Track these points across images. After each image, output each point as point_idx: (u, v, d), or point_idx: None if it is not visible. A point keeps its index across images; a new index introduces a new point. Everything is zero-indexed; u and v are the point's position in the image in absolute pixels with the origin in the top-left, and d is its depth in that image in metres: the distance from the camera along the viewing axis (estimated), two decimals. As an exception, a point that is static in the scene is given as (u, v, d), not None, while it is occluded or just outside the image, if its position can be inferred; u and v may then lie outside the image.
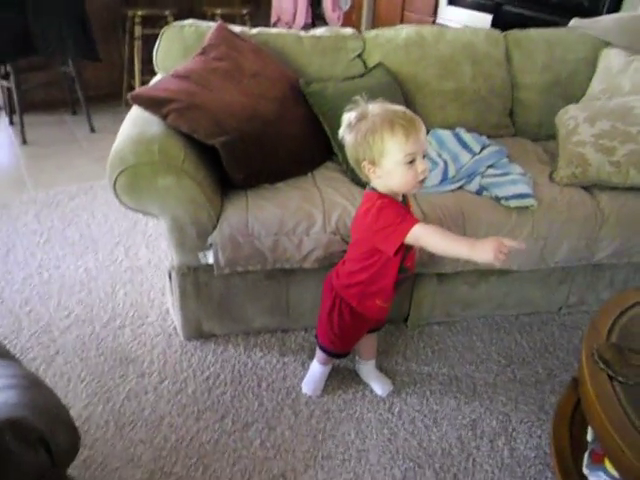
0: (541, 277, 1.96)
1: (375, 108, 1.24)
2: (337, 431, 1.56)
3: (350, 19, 5.52)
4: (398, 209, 1.27)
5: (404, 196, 1.35)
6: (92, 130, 3.41)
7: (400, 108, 1.25)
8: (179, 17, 3.01)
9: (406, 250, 1.33)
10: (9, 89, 3.32)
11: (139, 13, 3.39)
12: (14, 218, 2.47)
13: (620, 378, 1.18)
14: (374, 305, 1.45)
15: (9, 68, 3.14)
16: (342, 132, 1.29)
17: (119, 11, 3.59)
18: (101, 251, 2.27)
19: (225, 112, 1.60)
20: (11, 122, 3.49)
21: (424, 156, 1.24)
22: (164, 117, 1.54)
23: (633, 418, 1.10)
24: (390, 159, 1.21)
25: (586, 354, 1.25)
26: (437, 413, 1.63)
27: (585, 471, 1.27)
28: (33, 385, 0.74)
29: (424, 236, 1.22)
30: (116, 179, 1.49)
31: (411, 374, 1.77)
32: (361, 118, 1.24)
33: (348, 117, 1.27)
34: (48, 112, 3.64)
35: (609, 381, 1.18)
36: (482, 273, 1.88)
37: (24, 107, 3.27)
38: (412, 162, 1.21)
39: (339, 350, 1.59)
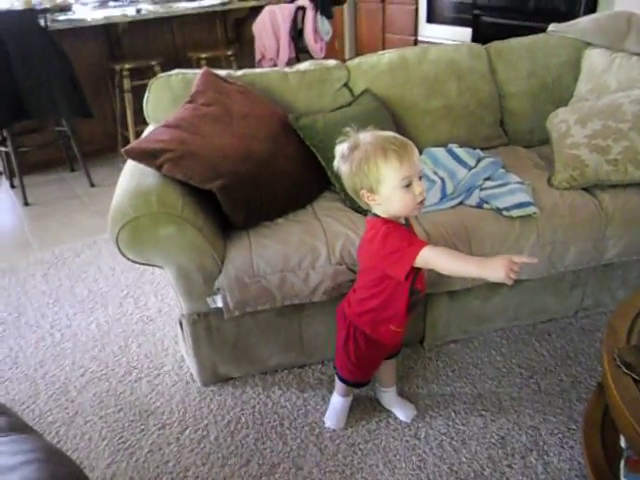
0: (553, 283, 1.94)
1: (366, 137, 1.26)
2: (365, 464, 1.53)
3: (333, 48, 5.62)
4: (403, 233, 1.28)
5: (406, 219, 1.35)
6: (91, 185, 3.45)
7: (390, 134, 1.27)
8: (166, 65, 3.09)
9: (415, 272, 1.33)
10: (7, 154, 3.38)
11: (126, 66, 3.46)
12: (22, 281, 2.49)
13: (646, 381, 1.16)
14: (388, 330, 1.44)
15: (5, 133, 3.20)
16: (337, 164, 1.31)
17: (106, 66, 3.67)
18: (111, 305, 2.28)
19: (218, 156, 1.62)
20: (12, 185, 3.54)
21: (420, 177, 1.25)
22: (159, 168, 1.55)
23: (664, 421, 1.07)
24: (387, 185, 1.22)
25: (607, 359, 1.23)
26: (464, 434, 1.60)
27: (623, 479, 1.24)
28: (51, 457, 0.73)
29: (433, 258, 1.22)
30: (118, 234, 1.50)
31: (433, 396, 1.74)
32: (354, 148, 1.25)
33: (341, 149, 1.29)
34: (47, 172, 3.70)
35: (634, 385, 1.16)
36: (493, 286, 1.86)
37: (23, 169, 3.32)
38: (409, 185, 1.22)
39: (359, 379, 1.57)
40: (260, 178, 1.68)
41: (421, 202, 1.26)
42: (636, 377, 1.16)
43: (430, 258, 1.21)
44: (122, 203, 1.52)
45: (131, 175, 1.66)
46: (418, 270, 1.33)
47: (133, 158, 1.60)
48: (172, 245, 1.53)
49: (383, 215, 1.30)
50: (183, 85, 2.00)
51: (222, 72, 2.06)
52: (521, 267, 1.15)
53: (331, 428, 1.64)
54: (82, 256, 2.65)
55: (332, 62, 2.22)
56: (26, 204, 3.26)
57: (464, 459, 1.53)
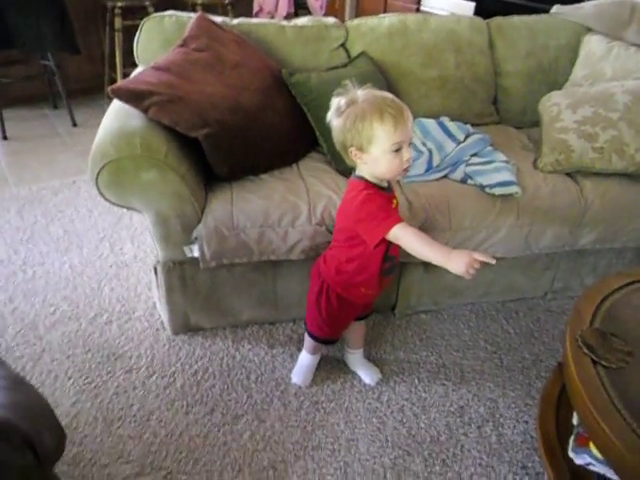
0: (526, 263, 1.97)
1: (364, 94, 1.25)
2: (326, 421, 1.57)
3: (333, 8, 5.48)
4: (382, 202, 1.28)
5: (389, 183, 1.35)
6: (74, 124, 3.36)
7: (389, 95, 1.26)
8: (159, 8, 2.97)
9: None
10: (-13, 84, 3.26)
11: (119, 4, 3.32)
12: (-4, 215, 2.44)
13: (604, 362, 1.19)
14: (359, 292, 1.46)
15: (-13, 62, 3.09)
16: (330, 116, 1.29)
17: (98, 2, 3.53)
18: (86, 247, 2.25)
19: (207, 104, 1.58)
20: (-10, 117, 3.42)
21: (409, 144, 1.25)
22: (145, 110, 1.52)
23: (616, 402, 1.11)
24: (378, 147, 1.22)
25: (570, 339, 1.26)
26: (425, 401, 1.65)
27: (571, 454, 1.29)
28: (16, 386, 0.74)
29: (403, 237, 1.23)
30: (98, 174, 1.47)
31: (399, 363, 1.78)
32: (350, 103, 1.24)
33: (337, 102, 1.27)
34: (28, 107, 3.58)
35: (593, 365, 1.19)
36: (468, 261, 1.89)
37: (4, 102, 3.21)
38: (398, 150, 1.22)
39: (327, 336, 1.59)
40: (247, 130, 1.65)
41: (406, 168, 1.26)
42: (595, 358, 1.20)
43: (401, 236, 1.23)
44: (104, 143, 1.48)
45: (115, 115, 1.61)
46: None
47: (119, 98, 1.56)
48: (153, 190, 1.51)
49: (367, 175, 1.30)
50: (176, 28, 1.94)
51: (218, 19, 2.00)
52: (482, 265, 1.17)
53: (297, 385, 1.67)
54: (60, 195, 2.61)
55: (331, 20, 2.17)
56: (4, 138, 3.17)
57: (422, 424, 1.57)
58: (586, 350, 1.22)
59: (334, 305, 1.47)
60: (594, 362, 1.20)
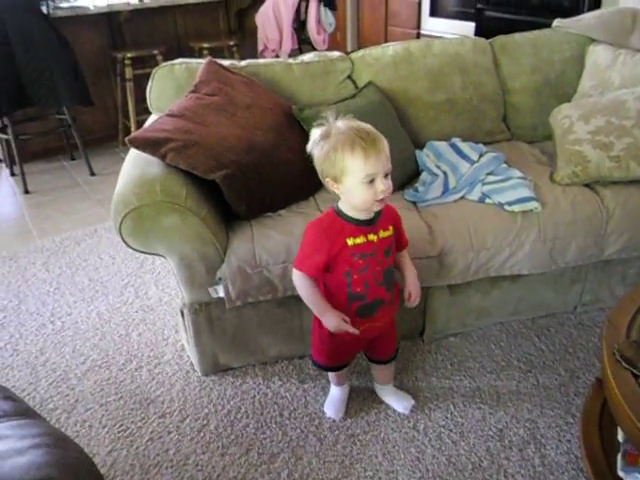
0: (553, 278, 1.95)
1: (340, 126, 1.26)
2: (364, 454, 1.54)
3: (335, 40, 5.60)
4: (320, 240, 1.31)
5: (378, 211, 1.34)
6: (92, 173, 3.45)
7: (364, 127, 1.26)
8: (167, 55, 3.07)
9: (349, 275, 1.35)
10: (7, 141, 3.37)
11: (128, 55, 3.44)
12: (23, 269, 2.49)
13: (645, 376, 1.17)
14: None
15: (6, 121, 3.19)
16: (309, 148, 1.31)
17: (108, 54, 3.66)
18: (111, 294, 2.28)
19: (222, 146, 1.62)
20: (12, 173, 3.54)
21: (387, 175, 1.24)
22: (163, 157, 1.55)
23: (663, 415, 1.08)
24: (351, 178, 1.23)
25: (607, 354, 1.24)
26: (463, 426, 1.62)
27: (620, 474, 1.25)
28: (59, 442, 0.74)
29: (296, 282, 1.38)
30: (121, 222, 1.50)
31: (432, 389, 1.75)
32: (325, 136, 1.26)
33: (314, 134, 1.30)
34: (47, 160, 3.69)
35: (634, 379, 1.17)
36: (493, 280, 1.87)
37: (23, 157, 3.32)
38: (372, 182, 1.23)
39: (325, 364, 1.57)
40: (263, 169, 1.68)
41: (382, 199, 1.25)
42: (635, 372, 1.17)
43: (295, 280, 1.37)
44: (126, 191, 1.52)
45: (134, 164, 1.65)
46: (359, 273, 1.34)
47: (137, 147, 1.59)
48: (175, 234, 1.54)
49: (343, 205, 1.32)
50: (187, 74, 2.00)
51: (226, 62, 2.06)
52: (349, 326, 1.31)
53: (330, 417, 1.65)
54: (82, 244, 2.65)
55: (336, 54, 2.21)
56: (26, 192, 3.26)
57: (462, 451, 1.54)
58: (625, 364, 1.19)
59: (328, 338, 1.44)
60: (635, 376, 1.17)
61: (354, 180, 1.23)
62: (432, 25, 5.24)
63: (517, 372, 1.80)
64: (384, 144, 1.24)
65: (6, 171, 3.59)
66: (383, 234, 1.36)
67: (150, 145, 1.57)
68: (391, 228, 1.38)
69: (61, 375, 1.86)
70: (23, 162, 3.29)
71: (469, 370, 1.82)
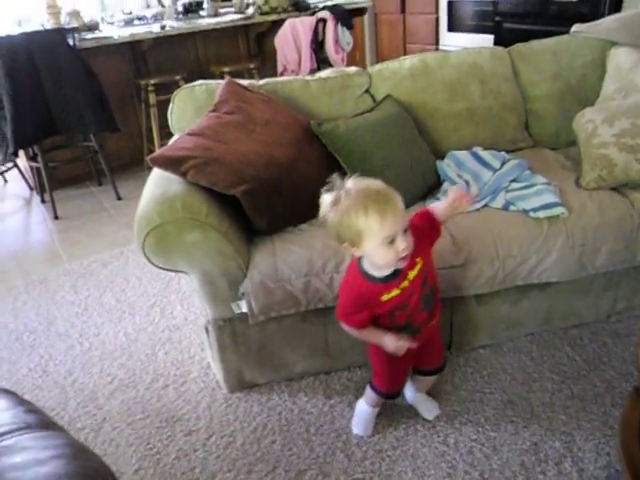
0: (584, 286, 1.89)
1: (349, 189, 1.19)
2: (393, 470, 1.50)
3: (354, 58, 5.65)
4: (357, 304, 1.33)
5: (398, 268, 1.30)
6: (118, 198, 3.52)
7: (374, 187, 1.19)
8: (189, 80, 3.11)
9: (392, 315, 1.34)
10: (38, 169, 3.47)
11: (151, 82, 3.53)
12: (52, 291, 2.53)
13: (684, 381, 1.12)
14: None
15: (36, 149, 3.29)
16: (322, 215, 1.24)
17: (132, 82, 3.76)
18: (138, 314, 2.30)
19: (242, 162, 1.63)
20: (43, 200, 3.63)
21: (406, 230, 1.20)
22: (184, 175, 1.57)
23: None
24: (369, 241, 1.19)
25: (643, 359, 1.19)
26: (495, 440, 1.57)
27: (663, 486, 1.19)
28: (78, 453, 0.74)
29: (348, 331, 1.40)
30: (144, 240, 1.52)
31: (462, 402, 1.70)
32: (336, 202, 1.19)
33: (324, 201, 1.23)
34: (76, 186, 3.78)
35: (673, 385, 1.12)
36: (522, 289, 1.83)
37: (53, 184, 3.41)
38: (392, 242, 1.18)
39: (387, 390, 1.54)
40: (283, 183, 1.68)
41: (405, 257, 1.21)
42: (674, 377, 1.12)
43: (344, 326, 1.39)
44: (148, 209, 1.54)
45: (156, 182, 1.68)
46: (395, 312, 1.33)
47: (158, 166, 1.62)
48: (197, 250, 1.55)
49: (367, 264, 1.29)
50: (206, 95, 2.03)
51: (244, 82, 2.09)
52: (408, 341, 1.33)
53: (358, 435, 1.61)
54: (109, 267, 2.70)
55: (353, 69, 2.23)
56: (56, 218, 3.34)
57: (495, 466, 1.49)
58: (663, 369, 1.14)
59: (385, 357, 1.42)
60: (673, 381, 1.12)
61: (373, 243, 1.18)
62: (451, 40, 5.26)
63: (550, 383, 1.75)
64: (397, 200, 1.18)
65: (37, 198, 3.69)
66: (413, 273, 1.31)
67: (171, 163, 1.59)
68: (419, 260, 1.32)
69: (89, 395, 1.87)
70: (52, 189, 3.38)
71: (500, 382, 1.77)
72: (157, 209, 1.52)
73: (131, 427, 1.73)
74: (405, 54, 5.73)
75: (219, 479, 1.52)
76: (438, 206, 1.40)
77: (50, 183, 3.34)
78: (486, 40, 4.63)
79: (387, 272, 1.28)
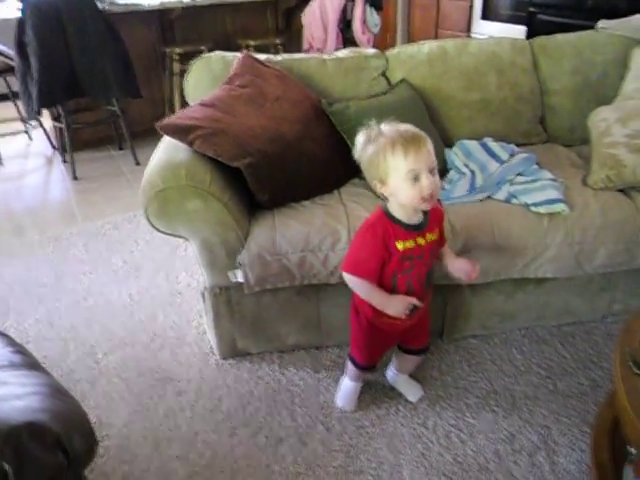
0: (581, 284, 1.89)
1: (382, 130, 1.29)
2: (370, 446, 1.55)
3: (385, 40, 5.59)
4: (376, 244, 1.32)
5: (426, 212, 1.35)
6: (137, 163, 3.58)
7: (406, 127, 1.29)
8: (215, 51, 3.15)
9: (395, 276, 1.36)
10: (61, 130, 3.55)
11: (177, 50, 3.56)
12: (64, 249, 2.62)
13: (656, 383, 1.13)
14: (384, 320, 1.43)
15: (60, 110, 3.36)
16: (356, 155, 1.33)
17: (158, 49, 3.79)
18: (143, 276, 2.37)
19: (248, 135, 1.66)
20: (64, 160, 3.71)
21: (432, 172, 1.25)
22: (190, 143, 1.61)
23: (671, 424, 1.04)
24: (394, 177, 1.26)
25: (619, 359, 1.20)
26: (473, 427, 1.60)
27: (627, 484, 1.21)
28: (55, 393, 0.79)
29: (350, 283, 1.40)
30: (147, 204, 1.57)
31: (447, 388, 1.73)
32: (368, 141, 1.29)
33: (359, 139, 1.32)
34: (97, 149, 3.86)
35: (644, 386, 1.13)
36: (517, 282, 1.84)
37: (75, 145, 3.48)
38: (416, 179, 1.24)
39: (364, 362, 1.58)
40: (287, 159, 1.71)
41: (430, 196, 1.25)
42: (646, 378, 1.13)
43: (351, 284, 1.40)
44: (152, 175, 1.58)
45: (164, 149, 1.72)
46: (398, 274, 1.36)
47: (167, 133, 1.66)
48: (198, 218, 1.59)
49: (393, 208, 1.34)
50: (223, 66, 2.06)
51: (262, 56, 2.10)
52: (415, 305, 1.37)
53: (341, 409, 1.66)
54: (121, 229, 2.77)
55: (371, 50, 2.23)
56: (75, 178, 3.42)
57: (470, 452, 1.52)
58: (636, 370, 1.16)
59: (366, 329, 1.47)
60: (645, 382, 1.13)
61: (398, 178, 1.25)
62: (483, 28, 5.16)
63: (536, 377, 1.76)
64: (426, 141, 1.26)
65: (59, 158, 3.77)
66: (431, 237, 1.37)
67: (179, 132, 1.63)
68: (437, 231, 1.40)
69: (89, 349, 1.95)
70: (74, 150, 3.46)
71: (486, 372, 1.79)
72: (161, 174, 1.57)
73: (125, 383, 1.80)
74: (437, 39, 5.66)
75: (201, 438, 1.58)
76: (447, 256, 1.51)
77: (72, 144, 3.41)
78: (519, 31, 4.54)
79: (412, 221, 1.34)
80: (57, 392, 0.80)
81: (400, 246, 1.32)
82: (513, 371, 1.80)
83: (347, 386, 1.67)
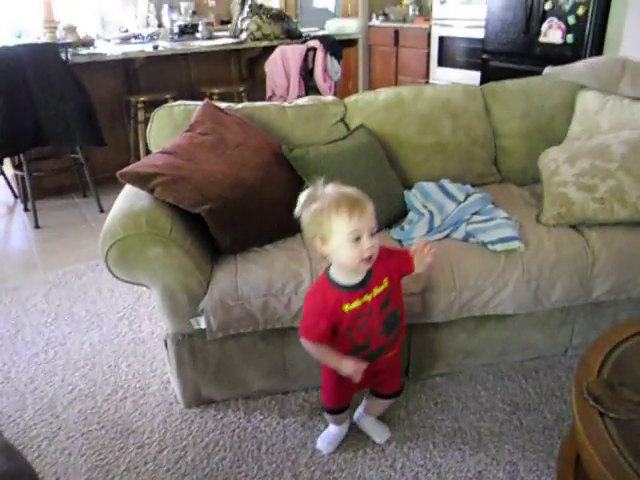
0: (540, 319, 1.93)
1: (327, 190, 1.32)
2: (338, 492, 1.52)
3: (347, 87, 5.78)
4: (320, 309, 1.36)
5: (370, 270, 1.37)
6: (101, 211, 3.55)
7: (350, 190, 1.32)
8: (179, 99, 3.19)
9: (350, 331, 1.38)
10: (22, 178, 3.51)
11: (141, 99, 3.60)
12: (24, 299, 2.55)
13: (612, 414, 1.15)
14: None
15: (22, 158, 3.34)
16: (297, 211, 1.36)
17: (123, 98, 3.83)
18: (106, 326, 2.32)
19: (209, 181, 1.68)
20: (26, 209, 3.66)
21: (373, 234, 1.30)
22: (151, 191, 1.62)
23: (626, 455, 1.07)
24: (336, 236, 1.28)
25: (576, 392, 1.23)
26: (441, 467, 1.59)
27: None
28: (3, 452, 0.77)
29: (308, 350, 1.41)
30: (107, 252, 1.55)
31: (413, 428, 1.73)
32: (312, 200, 1.32)
33: (302, 197, 1.35)
34: (60, 196, 3.83)
35: (600, 418, 1.15)
36: (479, 320, 1.87)
37: (38, 193, 3.44)
38: (358, 239, 1.27)
39: (334, 405, 1.58)
40: (249, 204, 1.73)
41: (369, 258, 1.29)
42: (602, 410, 1.16)
43: (306, 347, 1.41)
44: (113, 222, 1.58)
45: (125, 197, 1.72)
46: (352, 330, 1.38)
47: (127, 181, 1.67)
48: (158, 265, 1.58)
49: (334, 270, 1.38)
50: (185, 115, 2.09)
51: (223, 104, 2.15)
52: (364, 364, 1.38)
53: (319, 450, 1.65)
54: (84, 278, 2.72)
55: (330, 98, 2.30)
56: (37, 227, 3.37)
57: (439, 492, 1.51)
58: (592, 402, 1.18)
59: (332, 372, 1.46)
60: (601, 414, 1.16)
61: (340, 238, 1.28)
62: (440, 75, 5.40)
63: (501, 414, 1.78)
64: (369, 204, 1.30)
65: (20, 206, 3.72)
66: (377, 290, 1.39)
67: (139, 179, 1.64)
68: (385, 280, 1.41)
69: (48, 403, 1.89)
70: (38, 198, 3.43)
71: (452, 410, 1.80)
72: (122, 222, 1.57)
73: (85, 437, 1.74)
74: (397, 85, 5.87)
75: (165, 493, 1.53)
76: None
77: (33, 192, 3.38)
78: (473, 76, 4.77)
79: (353, 281, 1.36)
80: (3, 450, 0.77)
81: (346, 308, 1.36)
82: (478, 408, 1.81)
83: (331, 430, 1.67)
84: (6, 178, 3.85)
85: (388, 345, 1.46)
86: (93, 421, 1.80)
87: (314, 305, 1.39)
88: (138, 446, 1.69)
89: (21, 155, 3.33)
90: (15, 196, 3.87)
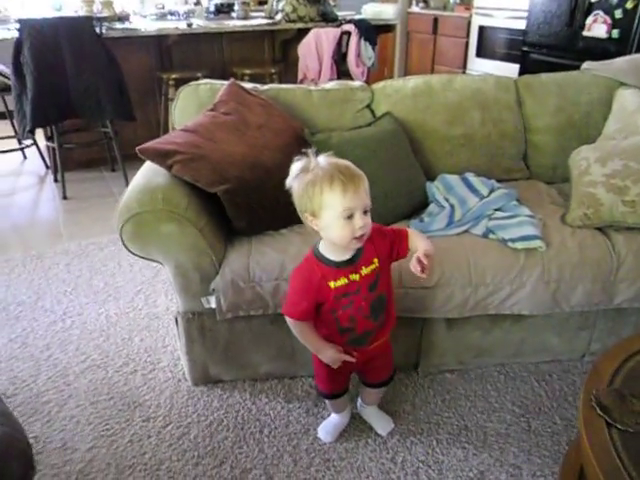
0: (558, 322, 1.88)
1: (320, 161, 1.25)
2: (336, 480, 1.52)
3: (382, 74, 5.70)
4: (305, 288, 1.32)
5: (360, 249, 1.31)
6: (127, 185, 3.58)
7: (344, 163, 1.25)
8: (210, 78, 3.19)
9: (334, 310, 1.34)
10: (54, 149, 3.57)
11: (173, 76, 3.61)
12: (47, 268, 2.61)
13: (619, 425, 1.11)
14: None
15: (53, 130, 3.39)
16: (289, 182, 1.30)
17: (155, 75, 3.85)
18: (123, 299, 2.36)
19: (227, 162, 1.67)
20: (55, 179, 3.73)
21: (366, 212, 1.23)
22: (169, 168, 1.62)
23: (630, 469, 1.03)
24: (328, 212, 1.22)
25: (584, 400, 1.19)
26: (443, 464, 1.57)
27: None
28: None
29: (291, 327, 1.39)
30: (122, 227, 1.57)
31: (418, 423, 1.71)
32: (304, 170, 1.25)
33: (294, 168, 1.29)
34: (90, 169, 3.89)
35: (607, 429, 1.11)
36: (494, 319, 1.83)
37: (68, 165, 3.50)
38: (350, 217, 1.21)
39: (325, 390, 1.57)
40: (266, 187, 1.72)
41: (360, 236, 1.24)
42: (609, 420, 1.12)
43: (289, 325, 1.39)
44: (130, 198, 1.59)
45: (144, 173, 1.73)
46: (337, 310, 1.34)
47: (147, 157, 1.68)
48: (172, 242, 1.59)
49: (323, 245, 1.32)
50: (210, 94, 2.08)
51: (249, 85, 2.14)
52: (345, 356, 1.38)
53: (320, 439, 1.64)
54: (105, 250, 2.76)
55: (357, 83, 2.26)
56: (65, 198, 3.43)
57: (438, 489, 1.49)
58: (600, 411, 1.14)
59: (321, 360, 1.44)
60: (608, 425, 1.12)
61: (332, 215, 1.21)
62: (478, 65, 5.28)
63: (509, 415, 1.74)
64: (363, 180, 1.23)
65: (51, 177, 3.80)
66: (365, 270, 1.33)
67: (158, 156, 1.64)
68: (375, 260, 1.35)
69: (61, 371, 1.93)
70: (67, 170, 3.49)
71: (459, 408, 1.77)
72: (138, 198, 1.58)
73: (94, 406, 1.77)
74: (433, 74, 5.76)
75: (166, 467, 1.55)
76: (415, 240, 1.39)
77: (63, 164, 3.44)
78: (512, 69, 4.64)
79: (341, 258, 1.31)
80: (1, 417, 0.78)
81: (332, 285, 1.30)
82: (486, 407, 1.77)
83: (331, 419, 1.67)
84: (39, 149, 3.93)
85: (375, 330, 1.41)
86: (103, 392, 1.83)
87: (299, 282, 1.34)
88: (144, 419, 1.72)
89: (53, 127, 3.39)
90: (47, 167, 3.94)
